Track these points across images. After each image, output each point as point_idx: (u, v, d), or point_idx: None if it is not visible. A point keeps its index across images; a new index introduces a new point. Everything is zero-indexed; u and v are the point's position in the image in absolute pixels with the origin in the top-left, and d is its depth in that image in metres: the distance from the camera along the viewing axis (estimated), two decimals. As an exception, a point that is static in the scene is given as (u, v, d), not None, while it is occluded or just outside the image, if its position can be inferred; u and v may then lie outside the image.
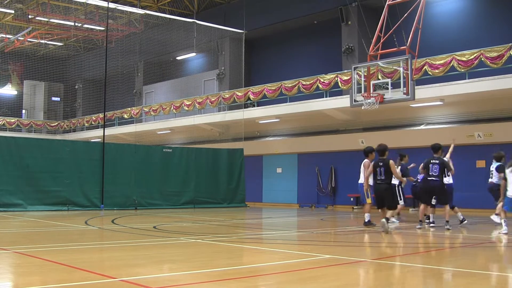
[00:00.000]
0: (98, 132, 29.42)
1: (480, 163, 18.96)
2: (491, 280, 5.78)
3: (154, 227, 11.80)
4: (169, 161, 20.90)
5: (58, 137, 34.48)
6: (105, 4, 23.80)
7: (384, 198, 10.77)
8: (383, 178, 10.77)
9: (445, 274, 6.15)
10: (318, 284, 5.55)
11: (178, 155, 21.30)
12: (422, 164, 12.19)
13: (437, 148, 11.93)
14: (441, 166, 11.58)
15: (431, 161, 11.68)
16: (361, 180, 12.35)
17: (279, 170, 25.60)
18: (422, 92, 17.64)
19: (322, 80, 21.88)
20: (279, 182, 25.34)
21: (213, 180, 21.92)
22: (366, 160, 12.25)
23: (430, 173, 11.59)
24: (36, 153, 17.78)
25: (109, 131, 27.42)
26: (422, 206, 12.10)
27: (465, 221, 12.28)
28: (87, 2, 25.44)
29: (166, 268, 6.39)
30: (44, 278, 5.57)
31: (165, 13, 28.71)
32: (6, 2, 28.37)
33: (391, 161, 10.77)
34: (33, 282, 5.27)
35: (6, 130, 35.15)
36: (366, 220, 11.96)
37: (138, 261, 6.82)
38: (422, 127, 20.51)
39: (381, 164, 10.80)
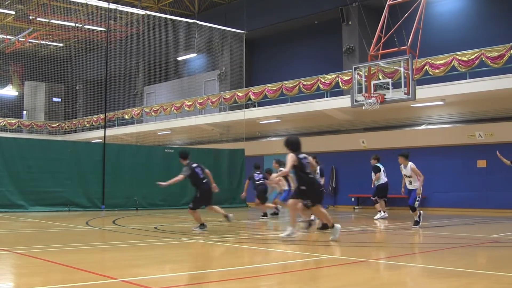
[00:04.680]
0: (99, 133, 29.44)
1: (481, 163, 18.95)
2: (491, 280, 5.78)
3: (155, 227, 11.82)
4: (170, 161, 20.88)
5: (59, 138, 34.52)
6: (105, 5, 23.83)
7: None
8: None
9: (445, 274, 6.15)
10: (318, 284, 5.56)
11: (179, 156, 21.22)
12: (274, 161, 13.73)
13: (187, 154, 11.69)
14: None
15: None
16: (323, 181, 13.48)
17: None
18: (423, 92, 17.65)
19: (323, 80, 21.89)
20: (280, 182, 25.28)
21: (214, 181, 21.79)
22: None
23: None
24: (37, 154, 17.80)
25: (110, 131, 27.43)
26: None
27: (267, 216, 14.97)
28: (88, 3, 25.47)
29: (167, 269, 6.40)
30: (46, 278, 5.58)
31: (166, 14, 28.73)
32: (7, 3, 28.41)
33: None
34: (34, 283, 5.28)
35: (7, 131, 35.21)
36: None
37: (140, 261, 6.83)
38: (423, 127, 20.50)
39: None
